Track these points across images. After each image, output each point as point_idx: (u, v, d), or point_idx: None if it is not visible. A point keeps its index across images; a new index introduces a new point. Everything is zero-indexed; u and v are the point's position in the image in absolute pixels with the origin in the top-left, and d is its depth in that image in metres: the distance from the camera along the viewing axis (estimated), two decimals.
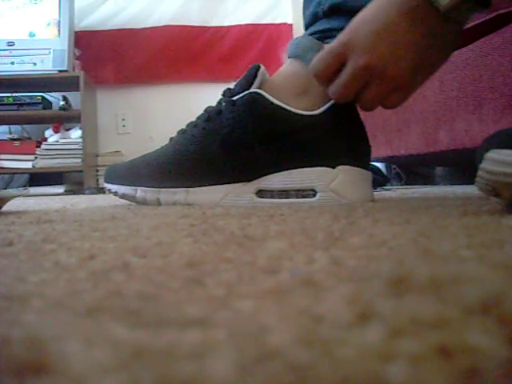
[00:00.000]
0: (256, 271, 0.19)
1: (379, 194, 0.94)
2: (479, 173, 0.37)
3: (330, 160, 0.60)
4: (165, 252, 0.24)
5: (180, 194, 0.62)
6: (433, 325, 0.12)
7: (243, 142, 0.60)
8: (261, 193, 0.61)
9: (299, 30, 2.56)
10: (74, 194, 2.12)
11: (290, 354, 0.10)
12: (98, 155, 2.41)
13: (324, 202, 0.60)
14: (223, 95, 0.64)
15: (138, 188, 0.64)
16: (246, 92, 0.61)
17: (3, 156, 2.20)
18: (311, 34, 0.63)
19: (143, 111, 2.58)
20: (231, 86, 0.64)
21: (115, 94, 2.56)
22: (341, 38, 0.54)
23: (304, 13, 0.67)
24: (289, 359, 0.10)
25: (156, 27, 2.53)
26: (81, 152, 2.18)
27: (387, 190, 1.24)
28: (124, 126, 2.59)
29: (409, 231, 0.30)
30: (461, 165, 1.60)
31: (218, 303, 0.15)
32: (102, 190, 2.26)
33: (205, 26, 2.55)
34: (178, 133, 0.66)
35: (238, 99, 0.61)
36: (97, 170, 2.36)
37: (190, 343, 0.11)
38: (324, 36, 0.62)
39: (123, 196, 0.67)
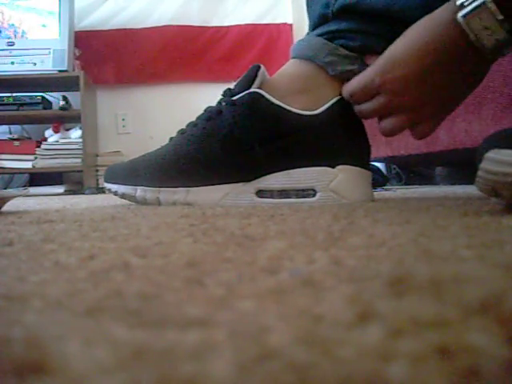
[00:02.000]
0: (256, 271, 0.19)
1: (379, 193, 0.94)
2: (479, 173, 0.37)
3: (330, 160, 0.60)
4: (165, 252, 0.24)
5: (180, 193, 0.62)
6: (433, 325, 0.12)
7: (243, 142, 0.60)
8: (261, 193, 0.61)
9: (299, 30, 2.56)
10: (74, 193, 2.12)
11: (289, 354, 0.10)
12: (97, 155, 2.41)
13: (324, 201, 0.60)
14: (223, 95, 0.64)
15: (138, 187, 0.64)
16: (246, 92, 0.61)
17: (3, 156, 2.20)
18: (320, 35, 0.63)
19: (143, 111, 2.58)
20: (231, 85, 0.64)
21: (115, 94, 2.56)
22: (371, 72, 0.56)
23: (309, 13, 0.67)
24: (289, 359, 0.10)
25: (156, 27, 2.53)
26: (81, 152, 2.18)
27: (387, 189, 1.24)
28: (124, 126, 2.59)
29: (409, 231, 0.30)
30: (461, 165, 1.60)
31: (218, 303, 0.15)
32: (101, 190, 2.26)
33: (205, 26, 2.55)
34: (178, 133, 0.66)
35: (237, 99, 0.61)
36: (97, 170, 2.35)
37: (190, 343, 0.11)
38: (333, 37, 0.62)
39: (123, 195, 0.67)
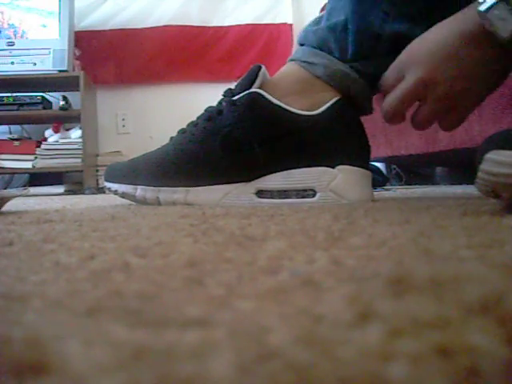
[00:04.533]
0: (256, 271, 0.19)
1: (379, 193, 0.94)
2: (479, 174, 0.37)
3: (330, 160, 0.60)
4: (165, 252, 0.24)
5: (179, 193, 0.62)
6: (433, 325, 0.12)
7: (243, 142, 0.60)
8: (261, 193, 0.61)
9: (299, 30, 2.56)
10: (74, 193, 2.12)
11: (289, 354, 0.10)
12: (97, 155, 2.41)
13: (324, 202, 0.60)
14: (224, 95, 0.64)
15: (138, 187, 0.64)
16: (247, 92, 0.61)
17: (3, 156, 2.20)
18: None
19: (143, 111, 2.58)
20: (231, 85, 0.64)
21: (115, 94, 2.56)
22: (400, 56, 0.56)
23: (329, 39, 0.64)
24: (289, 359, 0.10)
25: (156, 27, 2.53)
26: (81, 152, 2.17)
27: (387, 190, 1.24)
28: (124, 126, 2.59)
29: (409, 231, 0.30)
30: (461, 165, 1.60)
31: (218, 303, 0.15)
32: (101, 190, 2.26)
33: (205, 26, 2.55)
34: (179, 132, 0.66)
35: (238, 99, 0.61)
36: (97, 170, 2.35)
37: (190, 343, 0.11)
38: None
39: (123, 195, 0.67)
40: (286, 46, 2.49)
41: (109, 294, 0.16)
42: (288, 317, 0.13)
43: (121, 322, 0.13)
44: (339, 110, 0.61)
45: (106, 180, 0.69)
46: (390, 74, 0.58)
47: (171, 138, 0.67)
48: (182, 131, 0.66)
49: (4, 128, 2.42)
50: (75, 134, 2.26)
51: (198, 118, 0.65)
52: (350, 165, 0.61)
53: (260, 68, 0.62)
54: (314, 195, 0.60)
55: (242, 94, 0.61)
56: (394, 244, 0.25)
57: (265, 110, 0.60)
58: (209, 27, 2.56)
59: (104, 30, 2.51)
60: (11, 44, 2.20)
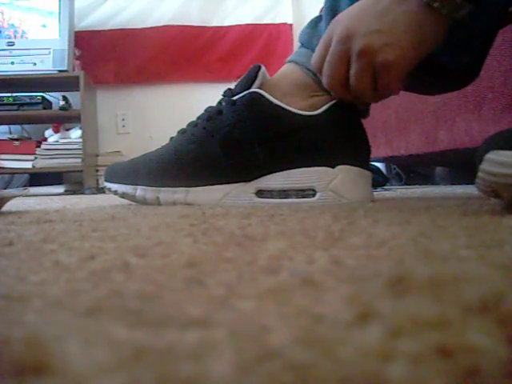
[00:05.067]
0: (256, 271, 0.19)
1: (379, 193, 0.94)
2: (479, 174, 0.37)
3: (330, 160, 0.60)
4: (165, 252, 0.24)
5: (180, 193, 0.62)
6: (433, 325, 0.12)
7: (243, 142, 0.60)
8: (260, 193, 0.61)
9: (299, 30, 2.56)
10: (74, 193, 2.12)
11: (289, 353, 0.10)
12: (98, 155, 2.41)
13: (324, 201, 0.60)
14: (224, 95, 0.64)
15: (138, 187, 0.64)
16: (246, 92, 0.61)
17: (3, 156, 2.19)
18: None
19: (143, 111, 2.58)
20: (231, 85, 0.64)
21: (115, 94, 2.56)
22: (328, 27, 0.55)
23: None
24: (289, 359, 0.10)
25: (156, 27, 2.53)
26: (81, 152, 2.17)
27: (387, 189, 1.24)
28: (124, 126, 2.59)
29: (409, 231, 0.30)
30: (461, 165, 1.60)
31: (218, 303, 0.15)
32: (102, 190, 2.26)
33: (205, 26, 2.55)
34: (179, 132, 0.66)
35: (238, 99, 0.61)
36: (97, 170, 2.35)
37: (190, 343, 0.11)
38: None
39: (123, 195, 0.67)
40: (286, 46, 2.49)
41: (109, 294, 0.16)
42: (288, 317, 0.13)
43: (121, 322, 0.13)
44: (339, 110, 0.61)
45: (106, 180, 0.69)
46: (319, 46, 0.56)
47: (171, 138, 0.67)
48: (182, 131, 0.66)
49: (4, 128, 2.42)
50: (75, 133, 2.26)
51: (198, 118, 0.65)
52: (350, 165, 0.61)
53: (259, 68, 0.62)
54: (314, 195, 0.60)
55: (241, 94, 0.61)
56: (394, 244, 0.25)
57: (265, 110, 0.60)
58: (209, 27, 2.56)
59: (104, 30, 2.51)
60: (11, 44, 2.20)
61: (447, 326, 0.12)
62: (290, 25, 2.58)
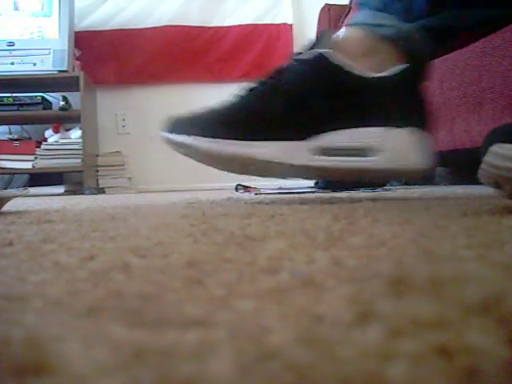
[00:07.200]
0: (256, 271, 0.19)
1: (379, 194, 0.94)
2: (482, 165, 0.38)
3: (393, 121, 0.61)
4: (165, 252, 0.24)
5: (234, 145, 0.61)
6: (433, 325, 0.12)
7: (305, 98, 0.61)
8: (319, 151, 0.60)
9: (299, 30, 2.56)
10: (74, 194, 2.12)
11: (290, 353, 0.10)
12: (97, 155, 2.41)
13: (384, 163, 0.60)
14: (291, 58, 0.65)
15: (196, 137, 0.62)
16: (313, 51, 0.62)
17: (3, 156, 2.19)
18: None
19: (143, 111, 2.58)
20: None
21: (115, 94, 2.56)
22: None
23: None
24: (289, 359, 0.10)
25: (156, 27, 2.53)
26: (81, 152, 2.17)
27: (387, 189, 1.23)
28: (124, 126, 2.59)
29: (409, 231, 0.30)
30: (461, 165, 1.60)
31: (218, 303, 0.15)
32: (101, 190, 2.26)
33: (205, 26, 2.55)
34: (246, 89, 0.65)
35: (304, 58, 0.62)
36: (97, 170, 2.35)
37: (190, 343, 0.11)
38: None
39: (177, 145, 0.64)
40: (286, 46, 2.49)
41: (109, 294, 0.16)
42: (288, 317, 0.13)
43: (121, 322, 0.13)
44: (408, 73, 0.62)
45: (166, 131, 0.66)
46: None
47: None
48: (250, 89, 0.65)
49: (4, 128, 2.42)
50: (75, 134, 2.26)
51: (265, 76, 0.65)
52: (413, 126, 0.62)
53: (328, 32, 0.64)
54: (374, 155, 0.60)
55: (308, 54, 0.62)
56: (394, 244, 0.25)
57: (332, 71, 0.61)
58: (209, 27, 2.56)
59: (104, 30, 2.50)
60: (11, 44, 2.20)
61: (447, 326, 0.12)
62: (290, 25, 2.58)
